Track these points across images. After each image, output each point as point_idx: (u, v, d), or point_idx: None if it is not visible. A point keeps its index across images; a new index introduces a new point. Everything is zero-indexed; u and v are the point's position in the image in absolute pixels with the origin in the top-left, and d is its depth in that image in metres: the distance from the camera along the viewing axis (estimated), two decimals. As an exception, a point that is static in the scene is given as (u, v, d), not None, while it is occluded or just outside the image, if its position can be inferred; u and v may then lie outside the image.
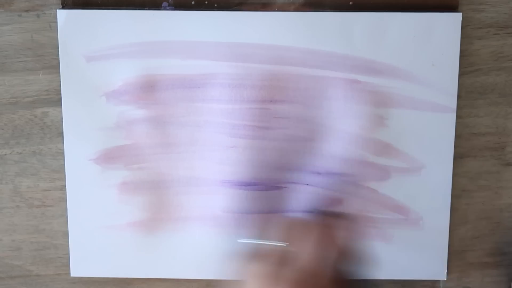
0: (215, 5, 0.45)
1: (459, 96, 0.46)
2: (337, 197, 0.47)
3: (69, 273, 0.48)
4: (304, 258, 0.36)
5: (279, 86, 0.46)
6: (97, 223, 0.47)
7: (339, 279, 0.36)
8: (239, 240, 0.39)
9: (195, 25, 0.45)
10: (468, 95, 0.47)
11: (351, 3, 0.45)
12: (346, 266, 0.37)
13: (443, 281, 0.48)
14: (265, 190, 0.47)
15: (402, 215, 0.47)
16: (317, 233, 0.37)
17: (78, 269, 0.48)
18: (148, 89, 0.46)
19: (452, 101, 0.46)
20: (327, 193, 0.47)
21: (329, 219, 0.39)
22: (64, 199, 0.47)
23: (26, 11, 0.46)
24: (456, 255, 0.48)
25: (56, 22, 0.45)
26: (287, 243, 0.37)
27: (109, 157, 0.46)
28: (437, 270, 0.48)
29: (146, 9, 0.45)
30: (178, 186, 0.47)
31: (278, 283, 0.35)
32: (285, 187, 0.47)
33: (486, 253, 0.47)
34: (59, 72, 0.46)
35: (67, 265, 0.48)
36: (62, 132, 0.47)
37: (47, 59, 0.46)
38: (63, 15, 0.45)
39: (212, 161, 0.47)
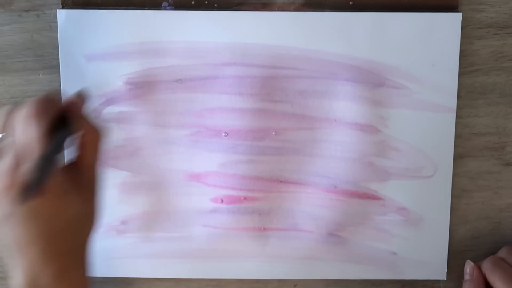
0: (215, 5, 0.45)
1: (459, 96, 0.46)
2: (336, 198, 0.47)
3: (69, 273, 0.48)
4: (17, 137, 0.34)
5: (279, 86, 0.46)
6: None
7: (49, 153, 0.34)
8: None
9: (195, 25, 0.45)
10: (468, 95, 0.47)
11: (351, 3, 0.45)
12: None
13: (443, 281, 0.48)
14: (264, 191, 0.47)
15: (402, 215, 0.47)
16: (24, 109, 0.34)
17: (78, 269, 0.48)
18: (148, 89, 0.46)
19: (452, 101, 0.46)
20: (326, 195, 0.47)
21: (43, 96, 0.36)
22: (64, 199, 0.47)
23: (26, 11, 0.46)
24: (456, 255, 0.48)
25: (56, 22, 0.45)
26: (6, 133, 0.35)
27: (109, 157, 0.46)
28: (437, 270, 0.48)
29: (146, 9, 0.45)
30: (178, 186, 0.47)
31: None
32: (285, 190, 0.47)
33: (486, 253, 0.47)
34: (59, 72, 0.46)
35: (67, 265, 0.48)
36: (62, 132, 0.47)
37: (47, 59, 0.46)
38: (63, 15, 0.45)
39: (212, 161, 0.47)
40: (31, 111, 0.34)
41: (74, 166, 0.37)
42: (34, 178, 0.32)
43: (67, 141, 0.36)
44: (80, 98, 0.39)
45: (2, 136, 0.36)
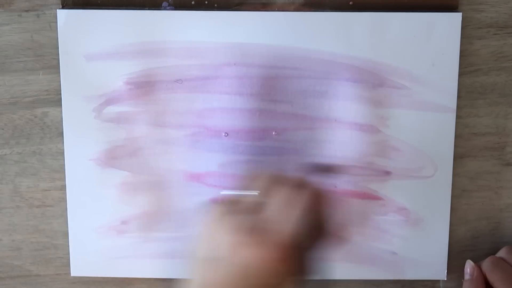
0: (215, 5, 0.45)
1: (459, 96, 0.46)
2: (336, 199, 0.47)
3: (69, 273, 0.48)
4: (270, 210, 0.34)
5: (279, 86, 0.46)
6: (97, 223, 0.47)
7: (295, 244, 0.33)
8: (221, 192, 0.37)
9: (195, 25, 0.45)
10: (468, 95, 0.47)
11: (351, 3, 0.45)
12: (308, 237, 0.34)
13: (443, 281, 0.48)
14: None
15: (402, 215, 0.47)
16: (289, 189, 0.35)
17: (78, 269, 0.48)
18: (148, 89, 0.46)
19: (452, 101, 0.46)
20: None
21: (312, 183, 0.36)
22: (64, 199, 0.47)
23: (26, 11, 0.46)
24: (456, 255, 0.48)
25: (56, 22, 0.45)
26: (259, 192, 0.35)
27: (109, 157, 0.46)
28: (437, 270, 0.48)
29: (146, 9, 0.45)
30: (178, 186, 0.47)
31: (242, 230, 0.33)
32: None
33: (486, 253, 0.47)
34: (59, 72, 0.46)
35: (67, 265, 0.48)
36: (62, 132, 0.47)
37: (47, 59, 0.46)
38: (63, 15, 0.45)
39: (212, 161, 0.47)
40: (294, 194, 0.34)
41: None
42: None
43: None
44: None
45: (251, 194, 0.36)
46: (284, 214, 0.34)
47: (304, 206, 0.34)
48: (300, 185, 0.36)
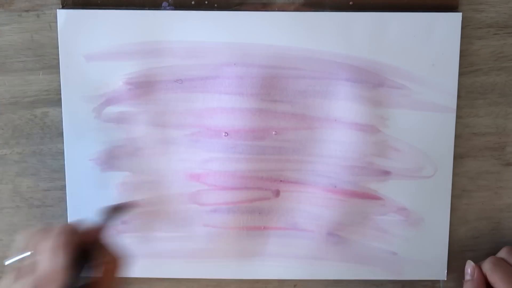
0: (215, 5, 0.45)
1: (459, 96, 0.46)
2: (336, 198, 0.47)
3: (69, 273, 0.48)
4: (41, 264, 0.35)
5: (279, 86, 0.46)
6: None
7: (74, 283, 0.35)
8: (5, 263, 0.38)
9: (195, 25, 0.45)
10: (468, 95, 0.47)
11: (351, 3, 0.45)
12: (80, 269, 0.36)
13: (443, 281, 0.48)
14: (264, 190, 0.47)
15: (402, 215, 0.47)
16: (51, 239, 0.36)
17: (78, 269, 0.48)
18: (148, 89, 0.46)
19: (452, 101, 0.46)
20: (326, 195, 0.47)
21: (69, 226, 0.38)
22: (64, 199, 0.47)
23: (26, 11, 0.46)
24: (456, 255, 0.48)
25: (56, 22, 0.45)
26: (31, 252, 0.36)
27: (109, 157, 0.47)
28: (437, 270, 0.48)
29: (146, 9, 0.45)
30: (178, 186, 0.47)
31: None
32: (285, 190, 0.47)
33: (486, 253, 0.47)
34: (59, 72, 0.46)
35: (67, 265, 0.48)
36: (62, 132, 0.47)
37: (47, 59, 0.46)
38: (63, 15, 0.45)
39: (212, 161, 0.47)
40: (57, 242, 0.35)
41: (92, 286, 0.37)
42: None
43: (86, 269, 0.37)
44: (100, 225, 0.40)
45: (26, 256, 0.36)
46: (52, 264, 0.35)
47: (68, 249, 0.35)
48: (60, 231, 0.36)
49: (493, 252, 0.47)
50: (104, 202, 0.47)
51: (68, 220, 0.47)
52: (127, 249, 0.39)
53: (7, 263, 0.37)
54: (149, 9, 0.45)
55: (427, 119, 0.46)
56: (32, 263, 0.35)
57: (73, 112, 0.46)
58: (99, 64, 0.46)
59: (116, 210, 0.43)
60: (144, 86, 0.46)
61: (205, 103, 0.46)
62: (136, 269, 0.48)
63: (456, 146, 0.47)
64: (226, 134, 0.46)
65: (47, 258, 0.35)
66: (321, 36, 0.45)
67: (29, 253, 0.36)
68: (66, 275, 0.34)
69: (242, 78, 0.46)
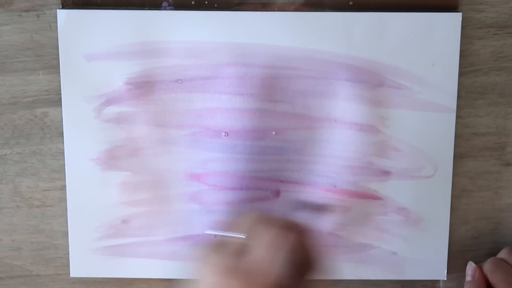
0: (215, 5, 0.45)
1: (459, 96, 0.46)
2: (336, 198, 0.47)
3: (69, 273, 0.48)
4: (256, 252, 0.34)
5: (279, 86, 0.46)
6: (97, 223, 0.47)
7: (284, 284, 0.34)
8: (206, 232, 0.37)
9: (195, 25, 0.45)
10: (468, 95, 0.47)
11: (351, 3, 0.45)
12: (295, 278, 0.34)
13: (443, 281, 0.48)
14: (264, 190, 0.47)
15: (402, 215, 0.47)
16: (275, 231, 0.35)
17: (78, 269, 0.48)
18: (148, 89, 0.46)
19: (452, 101, 0.46)
20: (326, 195, 0.47)
21: (299, 224, 0.37)
22: (64, 199, 0.47)
23: (26, 11, 0.46)
24: (456, 255, 0.48)
25: (56, 22, 0.45)
26: (246, 235, 0.36)
27: (109, 157, 0.46)
28: (437, 270, 0.48)
29: (146, 9, 0.45)
30: (178, 186, 0.47)
31: (229, 272, 0.34)
32: (285, 190, 0.47)
33: (486, 253, 0.47)
34: (59, 72, 0.46)
35: (67, 265, 0.48)
36: (62, 132, 0.47)
37: (47, 59, 0.46)
38: (63, 15, 0.45)
39: (212, 161, 0.47)
40: (292, 245, 0.34)
41: None
42: None
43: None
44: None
45: (239, 237, 0.36)
46: (270, 257, 0.34)
47: (290, 248, 0.34)
48: (286, 226, 0.36)
49: (493, 252, 0.47)
50: (104, 202, 0.47)
51: (68, 220, 0.47)
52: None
53: (208, 232, 0.36)
54: (149, 9, 0.45)
55: (427, 119, 0.46)
56: (242, 246, 0.35)
57: (73, 112, 0.46)
58: (99, 64, 0.46)
59: (318, 209, 0.42)
60: (144, 86, 0.46)
61: (205, 103, 0.46)
62: (136, 269, 0.48)
63: (456, 146, 0.47)
64: (226, 134, 0.46)
65: (265, 248, 0.34)
66: (321, 36, 0.45)
67: (243, 235, 0.36)
68: (281, 273, 0.33)
69: (242, 78, 0.46)
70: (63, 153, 0.47)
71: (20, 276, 0.49)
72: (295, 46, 0.45)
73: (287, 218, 0.38)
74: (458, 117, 0.46)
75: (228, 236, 0.36)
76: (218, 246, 0.36)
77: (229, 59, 0.45)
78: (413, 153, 0.46)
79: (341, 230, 0.47)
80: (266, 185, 0.47)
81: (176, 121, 0.46)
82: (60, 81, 0.46)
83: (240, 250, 0.35)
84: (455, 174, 0.47)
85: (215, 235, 0.37)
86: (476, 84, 0.47)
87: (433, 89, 0.46)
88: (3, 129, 0.47)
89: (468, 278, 0.45)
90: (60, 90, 0.46)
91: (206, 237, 0.47)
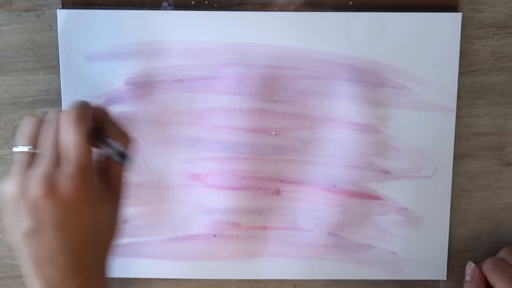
0: (215, 5, 0.45)
1: (459, 96, 0.46)
2: (336, 198, 0.47)
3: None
4: (61, 140, 0.34)
5: (279, 86, 0.46)
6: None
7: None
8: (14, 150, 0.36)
9: (195, 25, 0.45)
10: (468, 95, 0.47)
11: (351, 3, 0.45)
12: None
13: (443, 281, 0.48)
14: (264, 190, 0.47)
15: (402, 215, 0.47)
16: (68, 112, 0.35)
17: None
18: (148, 89, 0.46)
19: (452, 101, 0.46)
20: (326, 195, 0.47)
21: (83, 101, 0.36)
22: (64, 199, 0.47)
23: (26, 11, 0.46)
24: (456, 255, 0.48)
25: (56, 22, 0.45)
26: (32, 146, 0.36)
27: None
28: (437, 270, 0.48)
29: (146, 9, 0.45)
30: (178, 186, 0.47)
31: (25, 192, 0.33)
32: (285, 190, 0.47)
33: (486, 253, 0.47)
34: (59, 72, 0.46)
35: (67, 265, 0.48)
36: (62, 132, 0.47)
37: (47, 59, 0.46)
38: (63, 15, 0.45)
39: (212, 161, 0.47)
40: (73, 117, 0.34)
41: (105, 172, 0.37)
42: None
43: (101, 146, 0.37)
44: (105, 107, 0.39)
45: (29, 149, 0.36)
46: (70, 139, 0.34)
47: (84, 122, 0.34)
48: (76, 105, 0.36)
49: (493, 252, 0.47)
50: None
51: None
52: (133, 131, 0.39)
53: (16, 150, 0.36)
54: (149, 9, 0.45)
55: (427, 119, 0.46)
56: (44, 151, 0.35)
57: (73, 112, 0.46)
58: (99, 64, 0.46)
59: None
60: (144, 86, 0.46)
61: (205, 103, 0.46)
62: (136, 269, 0.48)
63: (456, 146, 0.47)
64: (226, 134, 0.46)
65: (64, 134, 0.34)
66: (321, 36, 0.45)
67: (30, 147, 0.35)
68: (85, 149, 0.34)
69: (242, 78, 0.46)
70: (63, 153, 0.47)
71: (20, 276, 0.49)
72: (295, 46, 0.45)
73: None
74: (458, 117, 0.46)
75: (28, 150, 0.36)
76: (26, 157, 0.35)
77: (229, 59, 0.45)
78: (413, 153, 0.46)
79: (341, 230, 0.47)
80: (266, 185, 0.47)
81: (176, 121, 0.46)
82: (60, 81, 0.46)
83: (27, 163, 0.35)
84: (455, 174, 0.47)
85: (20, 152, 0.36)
86: (476, 84, 0.47)
87: (433, 89, 0.46)
88: (3, 129, 0.47)
89: (467, 277, 0.45)
90: (60, 90, 0.46)
91: (206, 237, 0.47)
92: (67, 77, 0.46)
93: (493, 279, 0.43)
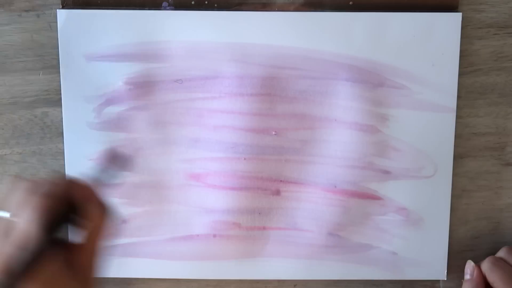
0: (215, 5, 0.45)
1: (459, 96, 0.46)
2: (336, 198, 0.47)
3: (69, 273, 0.48)
4: (18, 225, 0.32)
5: (279, 86, 0.46)
6: (97, 223, 0.47)
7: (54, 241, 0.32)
8: None
9: (195, 25, 0.45)
10: (468, 95, 0.47)
11: (351, 3, 0.45)
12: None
13: (443, 281, 0.48)
14: (264, 190, 0.47)
15: (402, 215, 0.47)
16: (20, 196, 0.33)
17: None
18: (148, 89, 0.46)
19: (452, 101, 0.46)
20: (326, 195, 0.47)
21: (48, 181, 0.34)
22: (64, 199, 0.47)
23: (26, 11, 0.46)
24: (456, 255, 0.48)
25: (56, 22, 0.45)
26: (11, 213, 0.33)
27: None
28: (437, 270, 0.48)
29: (146, 9, 0.45)
30: (178, 186, 0.47)
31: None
32: (285, 190, 0.47)
33: (486, 253, 0.47)
34: (59, 72, 0.46)
35: (67, 265, 0.48)
36: (62, 132, 0.47)
37: (47, 59, 0.46)
38: (63, 15, 0.45)
39: (212, 161, 0.47)
40: (36, 202, 0.32)
41: (74, 248, 0.35)
42: (23, 262, 0.30)
43: (70, 225, 0.35)
44: (91, 181, 0.37)
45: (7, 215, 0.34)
46: (26, 224, 0.32)
47: (43, 207, 0.32)
48: (32, 187, 0.34)
49: (493, 252, 0.47)
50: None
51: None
52: (116, 208, 0.37)
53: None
54: (149, 9, 0.45)
55: (427, 119, 0.46)
56: (11, 223, 0.32)
57: (73, 112, 0.46)
58: (99, 64, 0.46)
59: (114, 160, 0.40)
60: (144, 86, 0.46)
61: (205, 103, 0.46)
62: (136, 269, 0.48)
63: (456, 146, 0.47)
64: (227, 134, 0.46)
65: (23, 216, 0.32)
66: (321, 36, 0.45)
67: (8, 214, 0.33)
68: (39, 234, 0.31)
69: (242, 78, 0.46)
70: (63, 153, 0.47)
71: (20, 276, 0.49)
72: (295, 46, 0.45)
73: (44, 180, 0.35)
74: (458, 117, 0.46)
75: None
76: None
77: (229, 59, 0.45)
78: (413, 153, 0.46)
79: (341, 230, 0.47)
80: (266, 185, 0.47)
81: (176, 121, 0.46)
82: (60, 81, 0.46)
83: (10, 228, 0.32)
84: (455, 174, 0.47)
85: None
86: (476, 84, 0.47)
87: (433, 89, 0.46)
88: (3, 129, 0.47)
89: (467, 276, 0.45)
90: (60, 90, 0.46)
91: (206, 237, 0.47)
92: (67, 77, 0.46)
93: (492, 278, 0.43)
